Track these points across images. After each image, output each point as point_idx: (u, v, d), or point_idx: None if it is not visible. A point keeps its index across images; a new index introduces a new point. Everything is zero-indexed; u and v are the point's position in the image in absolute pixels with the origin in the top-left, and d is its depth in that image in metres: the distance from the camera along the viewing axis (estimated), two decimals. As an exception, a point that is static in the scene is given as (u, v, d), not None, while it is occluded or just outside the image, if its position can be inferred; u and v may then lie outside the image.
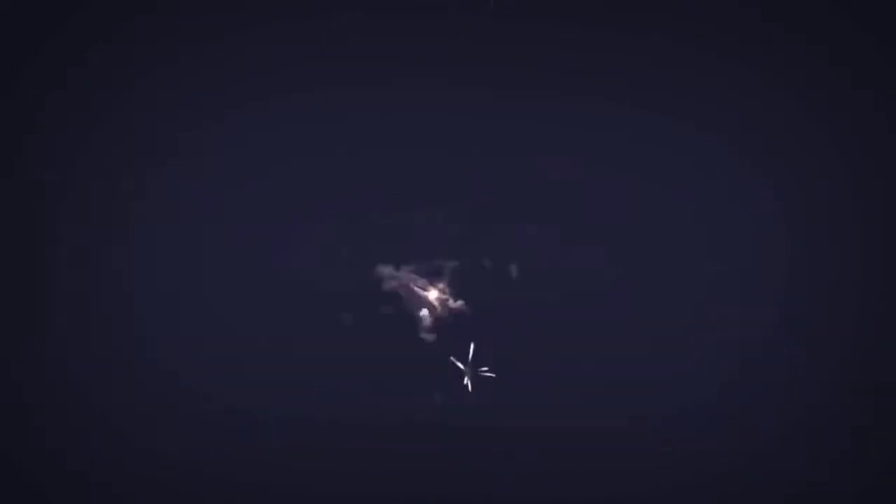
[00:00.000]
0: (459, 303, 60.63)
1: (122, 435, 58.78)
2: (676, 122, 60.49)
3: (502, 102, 61.45)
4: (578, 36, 61.35)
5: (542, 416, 59.62)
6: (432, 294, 60.70)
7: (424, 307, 60.75)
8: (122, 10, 60.62)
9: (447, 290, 60.78)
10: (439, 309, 60.70)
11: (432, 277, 60.84)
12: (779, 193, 60.68)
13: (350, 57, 61.74)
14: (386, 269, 60.69)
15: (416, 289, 60.78)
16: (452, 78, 61.90)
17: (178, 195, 60.76)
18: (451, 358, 60.38)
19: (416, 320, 60.65)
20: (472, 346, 59.84)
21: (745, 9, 60.72)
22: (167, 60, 60.87)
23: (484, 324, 60.20)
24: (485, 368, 59.83)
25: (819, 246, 60.16)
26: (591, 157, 61.38)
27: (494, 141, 61.72)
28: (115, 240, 60.44)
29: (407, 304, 60.78)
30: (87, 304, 60.04)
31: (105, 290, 60.28)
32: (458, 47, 61.67)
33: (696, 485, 58.58)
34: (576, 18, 61.49)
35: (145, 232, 60.51)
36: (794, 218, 60.61)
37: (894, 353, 58.93)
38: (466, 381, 59.90)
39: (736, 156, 60.80)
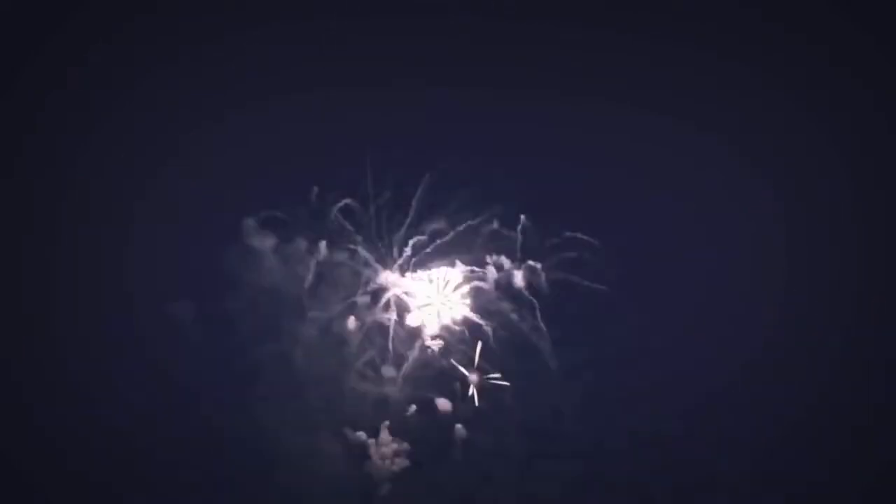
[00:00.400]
0: (464, 309, 60.42)
1: (122, 435, 58.88)
2: (676, 122, 60.52)
3: (502, 102, 61.50)
4: (578, 36, 61.39)
5: (541, 416, 59.98)
6: (437, 301, 60.53)
7: (429, 314, 60.59)
8: (122, 10, 60.62)
9: (451, 297, 60.60)
10: (444, 316, 60.55)
11: (436, 283, 60.72)
12: (779, 193, 60.75)
13: (350, 57, 61.77)
14: (390, 275, 60.51)
15: (420, 295, 60.57)
16: (452, 78, 61.96)
17: (178, 195, 60.78)
18: (453, 361, 60.42)
19: (422, 327, 60.53)
20: (479, 345, 59.90)
21: (745, 9, 60.75)
22: (167, 60, 60.87)
23: (487, 326, 60.28)
24: (497, 375, 59.82)
25: (819, 246, 60.22)
26: (590, 157, 61.41)
27: (494, 141, 61.74)
28: (115, 240, 60.46)
29: (411, 311, 60.66)
30: (87, 304, 60.08)
31: (105, 290, 60.32)
32: (458, 47, 61.71)
33: (697, 485, 58.72)
34: (576, 18, 61.54)
35: (145, 232, 60.55)
36: (794, 218, 60.69)
37: (894, 353, 59.01)
38: (472, 391, 59.95)
39: (736, 156, 60.85)
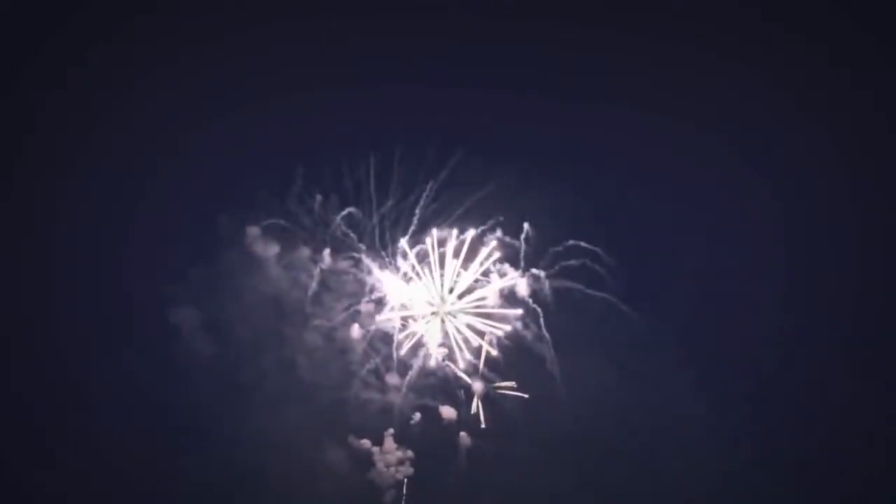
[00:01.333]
0: (468, 317, 60.26)
1: (121, 435, 58.91)
2: (676, 122, 60.51)
3: (502, 102, 61.49)
4: (578, 36, 61.39)
5: (543, 418, 60.04)
6: (442, 309, 60.37)
7: (433, 322, 60.45)
8: (122, 10, 60.63)
9: (456, 305, 60.44)
10: (448, 324, 60.41)
11: (441, 291, 60.54)
12: (779, 193, 60.76)
13: (350, 57, 61.80)
14: (394, 283, 60.33)
15: (424, 303, 60.43)
16: (452, 78, 61.97)
17: (178, 195, 60.82)
18: (456, 370, 60.34)
19: (426, 335, 60.42)
20: (483, 354, 59.86)
21: (745, 9, 60.75)
22: (167, 60, 60.87)
23: (491, 334, 60.30)
24: (511, 384, 59.72)
25: (819, 246, 60.23)
26: (590, 157, 61.42)
27: (494, 141, 61.72)
28: (115, 240, 60.50)
29: (415, 318, 60.58)
30: (87, 303, 60.11)
31: (104, 290, 60.36)
32: (457, 47, 61.72)
33: (699, 486, 58.82)
34: (576, 18, 61.55)
35: (145, 232, 60.57)
36: (793, 218, 60.71)
37: (894, 353, 59.00)
38: (477, 402, 59.97)
39: (736, 156, 60.86)
